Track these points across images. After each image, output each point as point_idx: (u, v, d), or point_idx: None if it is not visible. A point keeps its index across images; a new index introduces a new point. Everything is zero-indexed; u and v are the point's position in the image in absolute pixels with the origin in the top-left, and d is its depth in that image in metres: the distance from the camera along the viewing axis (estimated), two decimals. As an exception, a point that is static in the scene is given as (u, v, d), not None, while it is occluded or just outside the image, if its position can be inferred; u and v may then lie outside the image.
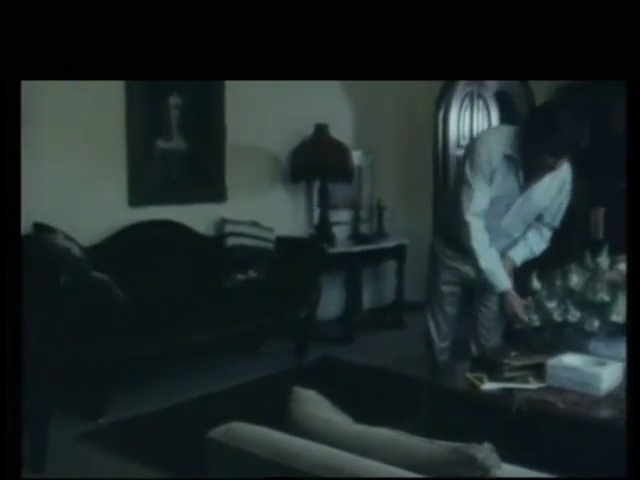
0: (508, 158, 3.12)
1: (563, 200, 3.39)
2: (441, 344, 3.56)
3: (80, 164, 4.38)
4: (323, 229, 5.54)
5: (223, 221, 5.09)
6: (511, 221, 3.30)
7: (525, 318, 3.03)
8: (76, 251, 3.85)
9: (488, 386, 2.58)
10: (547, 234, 3.44)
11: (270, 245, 5.11)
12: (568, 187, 3.37)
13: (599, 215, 5.28)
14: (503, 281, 3.19)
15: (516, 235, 3.38)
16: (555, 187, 3.30)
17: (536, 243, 3.42)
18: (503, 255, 3.32)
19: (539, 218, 3.40)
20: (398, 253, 5.94)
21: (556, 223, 3.44)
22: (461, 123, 6.65)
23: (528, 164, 3.11)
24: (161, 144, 4.83)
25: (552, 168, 3.07)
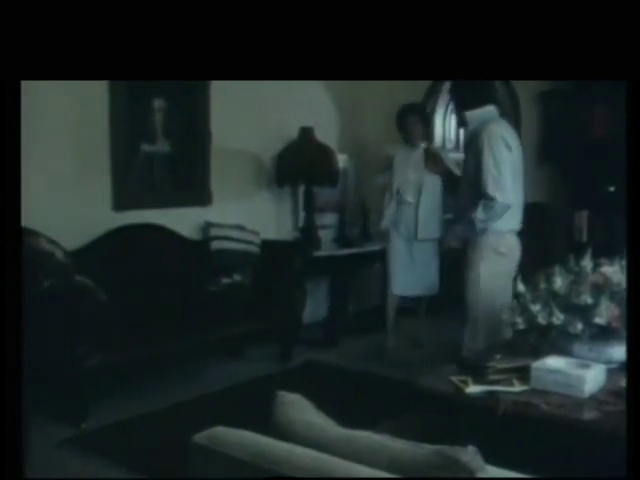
0: None
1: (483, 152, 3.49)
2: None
3: (63, 167, 4.35)
4: (308, 232, 5.54)
5: (208, 225, 5.07)
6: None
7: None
8: (60, 255, 3.83)
9: (473, 389, 2.59)
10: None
11: (255, 249, 5.09)
12: (489, 140, 3.50)
13: (583, 218, 5.32)
14: None
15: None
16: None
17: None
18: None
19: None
20: (383, 256, 5.93)
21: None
22: (446, 126, 6.68)
23: None
24: (145, 147, 4.81)
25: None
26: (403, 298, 5.26)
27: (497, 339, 3.40)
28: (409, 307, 5.32)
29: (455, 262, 3.83)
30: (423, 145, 5.10)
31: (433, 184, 5.02)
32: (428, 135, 5.26)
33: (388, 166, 5.24)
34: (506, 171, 3.46)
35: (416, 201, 5.04)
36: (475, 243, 3.58)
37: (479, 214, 3.47)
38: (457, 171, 4.78)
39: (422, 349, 5.20)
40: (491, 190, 3.43)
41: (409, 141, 5.13)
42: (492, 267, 3.54)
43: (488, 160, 3.45)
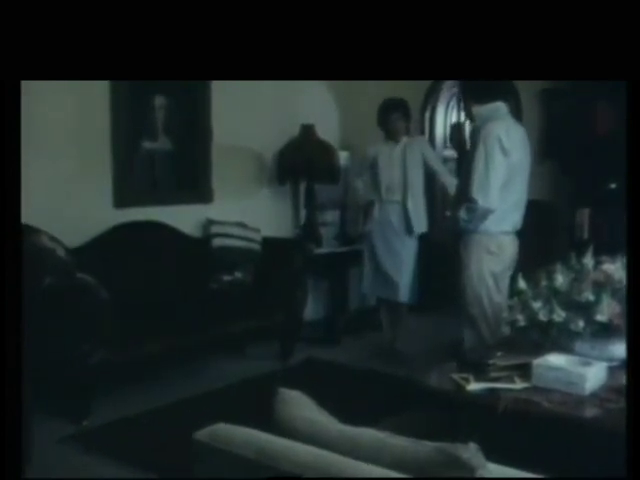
0: None
1: None
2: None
3: (65, 165, 4.35)
4: (309, 230, 5.54)
5: (209, 222, 5.08)
6: None
7: None
8: (61, 252, 3.83)
9: (474, 386, 2.59)
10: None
11: (256, 246, 5.10)
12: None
13: (584, 216, 5.32)
14: None
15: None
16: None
17: None
18: None
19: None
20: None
21: None
22: (448, 124, 6.66)
23: None
24: (146, 145, 4.82)
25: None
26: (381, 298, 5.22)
27: (494, 337, 3.40)
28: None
29: (445, 259, 3.82)
30: (405, 139, 5.05)
31: (417, 180, 4.98)
32: (408, 130, 5.17)
33: (368, 166, 5.14)
34: (495, 176, 3.40)
35: (403, 198, 4.96)
36: (466, 243, 3.57)
37: (462, 213, 3.47)
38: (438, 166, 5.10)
39: (420, 345, 5.19)
40: (474, 192, 3.40)
41: (392, 138, 5.03)
42: (484, 267, 3.54)
43: (479, 161, 3.41)
